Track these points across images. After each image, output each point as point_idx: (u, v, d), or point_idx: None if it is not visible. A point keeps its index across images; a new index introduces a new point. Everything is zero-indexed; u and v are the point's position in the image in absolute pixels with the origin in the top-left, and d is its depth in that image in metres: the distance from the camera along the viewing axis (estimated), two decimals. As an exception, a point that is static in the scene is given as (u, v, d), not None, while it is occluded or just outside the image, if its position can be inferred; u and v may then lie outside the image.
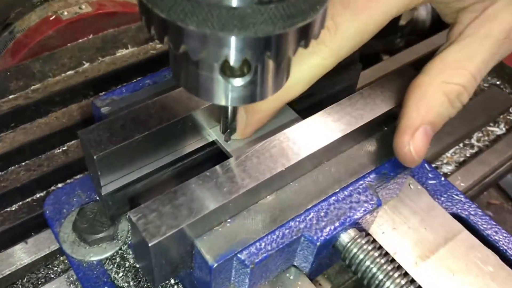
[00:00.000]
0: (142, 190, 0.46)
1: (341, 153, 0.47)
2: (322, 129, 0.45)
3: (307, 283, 0.45)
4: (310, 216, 0.43)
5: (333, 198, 0.44)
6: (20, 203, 0.64)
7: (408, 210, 0.51)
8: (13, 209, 0.64)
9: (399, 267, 0.44)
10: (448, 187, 0.58)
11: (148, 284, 0.49)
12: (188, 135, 0.47)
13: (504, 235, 0.54)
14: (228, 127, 0.45)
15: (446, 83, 0.43)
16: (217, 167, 0.42)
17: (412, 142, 0.43)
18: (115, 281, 0.49)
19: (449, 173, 0.65)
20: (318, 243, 0.42)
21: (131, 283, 0.49)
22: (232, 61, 0.30)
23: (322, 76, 0.45)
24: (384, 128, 0.49)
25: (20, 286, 0.52)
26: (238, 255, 0.40)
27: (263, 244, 0.41)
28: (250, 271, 0.41)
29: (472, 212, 0.56)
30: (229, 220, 0.42)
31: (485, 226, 0.55)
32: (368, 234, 0.45)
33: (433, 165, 0.67)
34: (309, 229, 0.42)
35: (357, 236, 0.44)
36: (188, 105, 0.46)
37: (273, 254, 0.41)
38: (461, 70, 0.43)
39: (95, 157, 0.42)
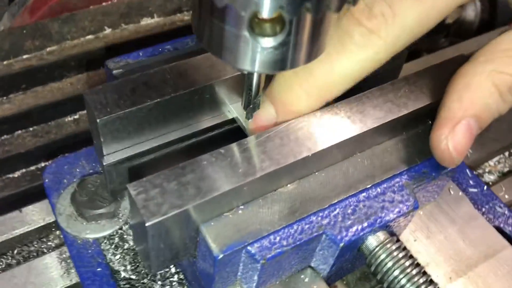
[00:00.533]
0: (149, 165, 0.41)
1: (377, 144, 0.41)
2: (358, 115, 0.40)
3: (323, 286, 0.39)
4: (335, 212, 0.37)
5: (364, 194, 0.39)
6: (23, 170, 0.60)
7: (446, 218, 0.45)
8: (15, 176, 0.60)
9: (431, 281, 0.38)
10: (491, 198, 0.51)
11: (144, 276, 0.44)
12: (206, 108, 0.42)
13: None
14: (252, 102, 0.39)
15: (497, 72, 0.37)
16: (233, 145, 0.36)
17: (452, 137, 0.37)
18: (111, 263, 0.44)
19: (490, 183, 0.59)
20: (342, 244, 0.36)
21: (128, 267, 0.44)
22: (264, 12, 0.25)
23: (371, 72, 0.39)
24: (429, 121, 0.43)
25: (10, 258, 0.47)
26: (248, 247, 0.35)
27: (278, 238, 0.36)
28: (260, 267, 0.35)
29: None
30: (241, 207, 0.36)
31: (531, 245, 0.48)
32: (398, 240, 0.39)
33: (475, 173, 0.60)
34: (333, 227, 0.37)
35: (387, 241, 0.38)
36: (210, 74, 0.41)
37: (288, 250, 0.35)
38: None
39: (98, 120, 0.37)
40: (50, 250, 0.47)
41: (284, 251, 0.35)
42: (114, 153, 0.40)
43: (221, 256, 0.34)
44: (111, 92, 0.38)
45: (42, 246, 0.48)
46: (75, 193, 0.46)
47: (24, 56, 0.61)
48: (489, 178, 0.60)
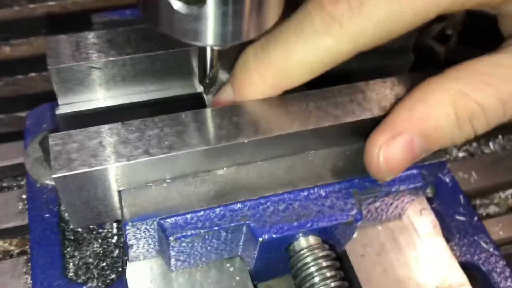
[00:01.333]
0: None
1: (336, 146, 0.38)
2: (317, 109, 0.37)
3: (247, 281, 0.37)
4: (265, 206, 0.35)
5: (304, 193, 0.36)
6: (29, 111, 0.62)
7: (405, 240, 0.41)
8: (22, 115, 0.62)
9: None
10: (479, 231, 0.47)
11: (97, 230, 0.44)
12: (171, 77, 0.41)
13: None
14: (207, 78, 0.38)
15: (463, 93, 0.32)
16: (172, 115, 0.35)
17: (386, 148, 0.33)
18: (61, 213, 0.44)
19: (491, 215, 0.53)
20: (261, 239, 0.34)
21: (78, 220, 0.44)
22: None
23: (334, 66, 0.35)
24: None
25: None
26: (161, 221, 0.34)
27: (194, 219, 0.34)
28: (171, 245, 0.34)
29: (497, 270, 0.45)
30: (168, 180, 0.35)
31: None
32: (330, 249, 0.36)
33: (478, 201, 0.55)
34: (257, 220, 0.35)
35: (315, 246, 0.35)
36: (179, 42, 0.40)
37: (202, 234, 0.34)
38: (488, 86, 0.32)
39: (49, 67, 0.37)
40: (12, 189, 0.49)
41: (197, 233, 0.34)
42: (70, 104, 0.40)
43: (129, 224, 0.33)
44: (72, 43, 0.39)
45: (14, 184, 0.50)
46: (45, 137, 0.47)
47: (49, 3, 0.63)
48: (493, 210, 0.54)
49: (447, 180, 0.50)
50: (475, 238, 0.46)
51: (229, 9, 0.29)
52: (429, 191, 0.50)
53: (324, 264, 0.35)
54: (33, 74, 0.63)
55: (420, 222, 0.43)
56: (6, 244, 0.46)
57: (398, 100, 0.38)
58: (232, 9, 0.29)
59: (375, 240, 0.41)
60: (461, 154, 0.58)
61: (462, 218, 0.47)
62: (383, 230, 0.41)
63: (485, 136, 0.60)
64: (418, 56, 0.87)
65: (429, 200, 0.49)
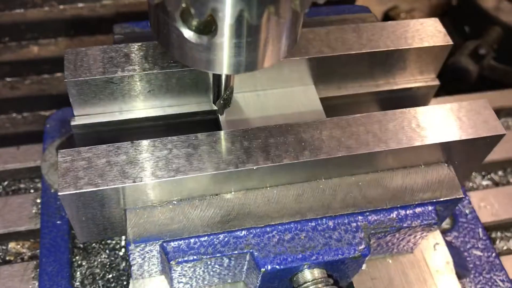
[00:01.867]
0: (118, 137, 0.41)
1: (348, 176, 0.37)
2: (336, 138, 0.36)
3: (245, 306, 0.37)
4: (270, 235, 0.35)
5: (311, 224, 0.35)
6: (54, 111, 0.63)
7: (416, 275, 0.40)
8: (46, 114, 0.63)
9: None
10: (495, 268, 0.45)
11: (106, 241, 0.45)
12: (188, 94, 0.41)
13: None
14: (221, 99, 0.37)
15: None
16: (183, 136, 0.35)
17: None
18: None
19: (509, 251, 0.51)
20: (263, 269, 0.34)
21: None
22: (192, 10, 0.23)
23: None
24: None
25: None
26: (164, 244, 0.33)
27: (197, 244, 0.34)
28: (172, 268, 0.34)
29: (513, 310, 0.43)
30: (174, 202, 0.35)
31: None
32: (334, 284, 0.35)
33: (499, 234, 0.52)
34: (261, 249, 0.34)
35: (319, 280, 0.34)
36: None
37: (204, 260, 0.34)
38: None
39: (65, 80, 0.37)
40: (29, 191, 0.49)
41: (199, 259, 0.33)
42: (85, 116, 0.40)
43: (132, 245, 0.33)
44: (89, 56, 0.39)
45: (31, 186, 0.51)
46: (62, 144, 0.47)
47: (79, 5, 0.63)
48: (515, 245, 0.52)
49: (467, 211, 0.48)
50: (491, 275, 0.45)
51: (242, 41, 0.28)
52: (447, 222, 0.48)
53: (328, 298, 0.34)
54: (59, 74, 0.64)
55: (433, 257, 0.41)
56: (19, 246, 0.47)
57: (414, 132, 0.37)
58: (245, 41, 0.28)
59: (385, 274, 0.40)
60: (484, 183, 0.56)
61: (479, 253, 0.46)
62: (393, 263, 0.40)
63: (512, 165, 0.58)
64: (452, 73, 0.84)
65: (446, 232, 0.47)
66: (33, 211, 0.47)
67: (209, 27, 0.27)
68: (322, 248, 0.35)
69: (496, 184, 0.56)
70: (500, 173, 0.58)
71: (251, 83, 0.41)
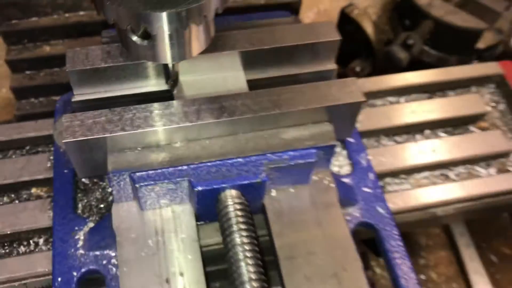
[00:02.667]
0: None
1: (257, 131, 0.55)
2: (247, 105, 0.54)
3: (192, 220, 0.55)
4: (202, 168, 0.53)
5: (230, 162, 0.53)
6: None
7: (303, 202, 0.57)
8: (56, 98, 0.82)
9: (256, 251, 0.51)
10: (379, 200, 0.62)
11: (99, 183, 0.63)
12: (154, 76, 0.59)
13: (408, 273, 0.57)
14: (170, 79, 0.55)
15: None
16: (144, 104, 0.53)
17: None
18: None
19: (398, 190, 0.68)
20: (197, 189, 0.52)
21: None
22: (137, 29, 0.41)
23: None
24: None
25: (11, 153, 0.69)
26: (132, 174, 0.52)
27: (154, 174, 0.52)
28: (139, 189, 0.52)
29: (387, 229, 0.60)
30: (139, 148, 0.53)
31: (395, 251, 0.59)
32: (246, 204, 0.53)
33: (390, 179, 0.70)
34: (196, 177, 0.52)
35: (235, 197, 0.52)
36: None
37: (158, 184, 0.52)
38: None
39: (67, 70, 0.55)
40: (45, 152, 0.68)
41: (155, 183, 0.52)
42: (83, 95, 0.59)
43: (111, 174, 0.51)
44: (83, 53, 0.57)
45: (46, 149, 0.69)
46: (68, 117, 0.65)
47: (80, 13, 0.82)
48: (405, 187, 0.69)
49: (363, 162, 0.66)
50: (375, 204, 0.62)
51: (175, 40, 0.46)
52: (348, 169, 0.66)
53: (239, 213, 0.52)
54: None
55: (323, 189, 0.59)
56: (38, 191, 0.65)
57: (302, 100, 0.54)
58: (176, 42, 0.46)
59: (288, 198, 0.57)
60: (389, 143, 0.73)
61: (367, 190, 0.63)
62: (295, 191, 0.58)
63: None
64: (386, 60, 1.02)
65: (346, 176, 0.65)
66: (48, 165, 0.66)
67: (148, 35, 0.45)
68: (236, 176, 0.53)
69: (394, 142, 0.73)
70: (404, 136, 0.75)
71: (196, 69, 0.59)
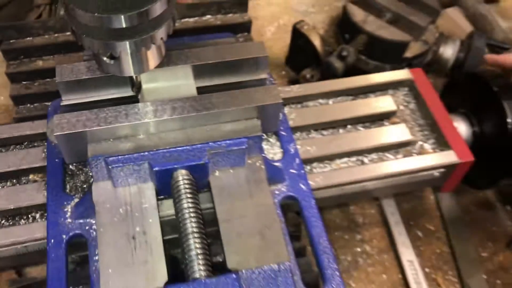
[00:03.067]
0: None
1: (201, 126, 0.73)
2: (194, 106, 0.71)
3: (151, 191, 0.72)
4: (159, 154, 0.69)
5: (180, 149, 0.71)
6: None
7: (239, 180, 0.74)
8: (48, 104, 0.99)
9: (198, 213, 0.68)
10: (302, 178, 0.80)
11: (83, 169, 0.80)
12: (125, 85, 0.76)
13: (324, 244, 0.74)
14: (134, 87, 0.73)
15: None
16: (115, 106, 0.70)
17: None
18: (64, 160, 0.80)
19: (320, 172, 0.86)
20: (155, 169, 0.69)
21: (76, 164, 0.80)
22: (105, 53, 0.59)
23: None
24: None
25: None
26: (106, 159, 0.69)
27: (123, 159, 0.69)
28: (112, 170, 0.69)
29: (306, 199, 0.78)
30: (111, 140, 0.71)
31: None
32: (193, 181, 0.70)
33: (317, 164, 0.88)
34: (154, 161, 0.69)
35: (185, 174, 0.70)
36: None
37: (126, 166, 0.69)
38: None
39: (57, 81, 0.73)
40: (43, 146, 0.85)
41: (123, 166, 0.69)
42: (69, 100, 0.76)
43: (90, 159, 0.69)
44: (69, 69, 0.74)
45: (41, 144, 0.86)
46: (58, 118, 0.83)
47: (67, 33, 0.99)
48: (328, 169, 0.87)
49: (292, 149, 0.84)
50: (298, 182, 0.80)
51: (134, 59, 0.64)
52: (280, 156, 0.84)
53: (187, 186, 0.69)
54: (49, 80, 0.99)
55: (256, 170, 0.76)
56: (35, 177, 0.82)
57: (235, 101, 0.72)
58: (135, 60, 0.64)
59: (229, 177, 0.75)
60: (317, 136, 0.91)
61: (293, 171, 0.81)
62: (233, 172, 0.75)
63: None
64: (326, 69, 1.20)
65: (277, 161, 0.82)
66: (43, 156, 0.82)
67: (114, 56, 0.62)
68: (185, 159, 0.70)
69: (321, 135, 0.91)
70: (330, 130, 0.93)
71: (156, 79, 0.76)
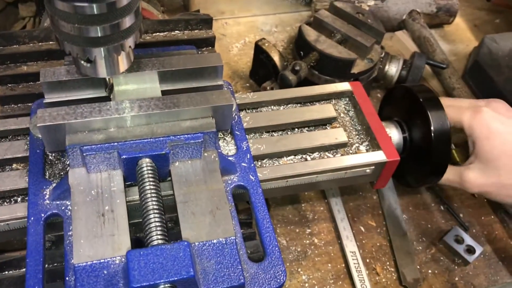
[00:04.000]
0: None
1: (167, 122, 0.86)
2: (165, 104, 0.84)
3: (119, 177, 0.84)
4: (127, 144, 0.82)
5: (145, 141, 0.83)
6: (35, 102, 1.11)
7: (196, 169, 0.87)
8: (30, 104, 1.11)
9: (158, 196, 0.81)
10: (252, 171, 0.93)
11: (61, 159, 0.92)
12: (100, 85, 0.89)
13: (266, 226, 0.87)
14: (107, 88, 0.86)
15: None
16: (90, 104, 0.83)
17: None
18: (44, 150, 0.92)
19: (269, 166, 1.00)
20: (123, 157, 0.82)
21: (55, 155, 0.92)
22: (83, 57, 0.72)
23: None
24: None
25: None
26: (81, 147, 0.81)
27: (95, 147, 0.82)
28: (85, 157, 0.81)
29: (254, 188, 0.91)
30: (86, 131, 0.83)
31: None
32: (154, 168, 0.83)
33: (269, 161, 1.01)
34: (122, 150, 0.82)
35: (148, 162, 0.83)
36: (101, 72, 0.88)
37: (98, 154, 0.81)
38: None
39: (41, 81, 0.85)
40: (26, 139, 0.96)
41: (95, 153, 0.81)
42: (51, 98, 0.88)
43: (67, 147, 0.81)
44: (52, 72, 0.87)
45: (23, 137, 0.98)
46: (40, 115, 0.95)
47: (50, 42, 1.11)
48: (276, 164, 1.01)
49: (244, 146, 0.97)
50: (248, 174, 0.93)
51: (107, 63, 0.77)
52: (234, 151, 0.97)
53: (150, 172, 0.82)
54: (38, 82, 1.12)
55: (210, 161, 0.89)
56: (17, 165, 0.94)
57: (194, 102, 0.85)
58: (108, 64, 0.77)
59: (187, 168, 0.88)
60: (265, 136, 1.05)
61: (244, 164, 0.94)
62: (191, 163, 0.88)
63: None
64: (281, 81, 1.34)
65: (231, 156, 0.96)
66: (25, 148, 0.94)
67: (90, 60, 0.75)
68: (149, 149, 0.83)
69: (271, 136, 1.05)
70: (279, 132, 1.07)
71: (127, 82, 0.89)
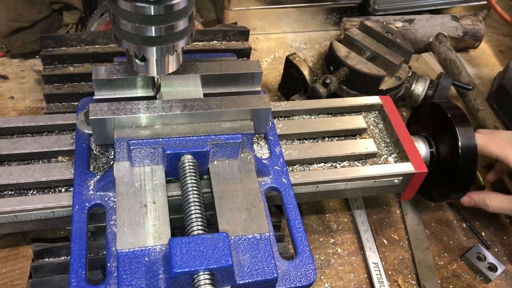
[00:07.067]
0: (113, 105, 0.94)
1: (206, 122, 0.91)
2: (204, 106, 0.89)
3: (161, 172, 0.89)
4: (171, 141, 0.87)
5: (188, 139, 0.88)
6: (79, 102, 1.17)
7: (233, 168, 0.92)
8: (75, 103, 1.17)
9: (199, 189, 0.85)
10: (284, 174, 0.97)
11: (105, 153, 0.97)
12: (147, 86, 0.94)
13: (297, 226, 0.91)
14: (155, 88, 0.91)
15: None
16: (138, 101, 0.88)
17: None
18: (90, 144, 0.97)
19: (300, 170, 1.03)
20: (167, 152, 0.86)
21: (98, 148, 0.97)
22: (138, 55, 0.77)
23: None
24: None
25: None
26: (128, 141, 0.86)
27: (142, 142, 0.86)
28: (131, 151, 0.86)
29: (286, 191, 0.95)
30: (134, 127, 0.88)
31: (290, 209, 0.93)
32: (195, 165, 0.87)
33: (299, 165, 1.05)
34: (167, 146, 0.87)
35: (189, 158, 0.87)
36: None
37: (143, 148, 0.86)
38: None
39: (93, 79, 0.91)
40: (72, 133, 1.02)
41: (141, 147, 0.86)
42: (100, 95, 0.94)
43: (115, 140, 0.86)
44: (104, 70, 0.92)
45: (70, 132, 1.03)
46: (86, 112, 1.00)
47: (96, 46, 1.18)
48: (306, 169, 1.04)
49: (277, 150, 1.01)
50: (281, 177, 0.97)
51: (159, 63, 0.82)
52: (268, 154, 1.01)
53: (192, 167, 0.87)
54: (83, 83, 1.18)
55: (247, 162, 0.93)
56: (63, 158, 0.99)
57: (234, 105, 0.90)
58: (159, 63, 0.82)
59: (224, 166, 0.92)
60: (296, 142, 1.09)
61: (277, 168, 0.98)
62: (228, 162, 0.93)
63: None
64: (311, 93, 1.39)
65: (265, 159, 1.00)
66: (71, 142, 1.00)
67: (144, 58, 0.81)
68: (191, 147, 0.87)
69: (302, 143, 1.09)
70: (310, 140, 1.11)
71: (172, 85, 0.94)
